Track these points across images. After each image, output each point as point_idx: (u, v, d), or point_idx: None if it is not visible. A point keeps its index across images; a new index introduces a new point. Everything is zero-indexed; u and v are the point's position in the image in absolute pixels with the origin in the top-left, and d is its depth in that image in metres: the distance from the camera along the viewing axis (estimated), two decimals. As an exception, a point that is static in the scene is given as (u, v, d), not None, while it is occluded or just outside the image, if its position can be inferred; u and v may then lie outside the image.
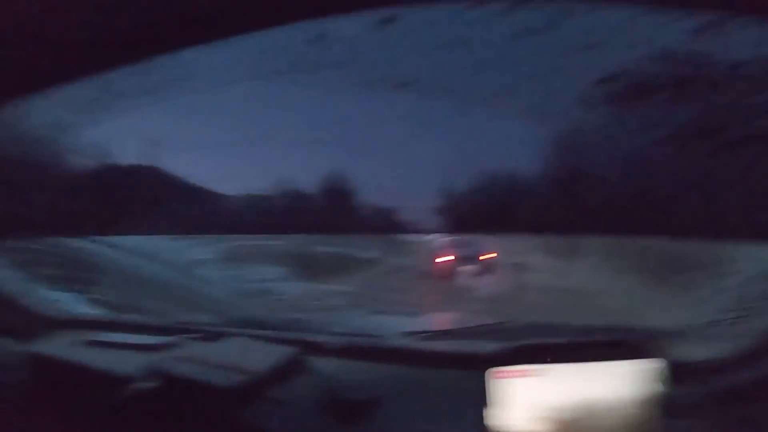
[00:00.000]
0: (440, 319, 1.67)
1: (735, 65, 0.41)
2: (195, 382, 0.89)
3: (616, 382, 0.61)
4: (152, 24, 0.44)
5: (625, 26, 0.39)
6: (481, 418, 0.82)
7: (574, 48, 0.41)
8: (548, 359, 0.61)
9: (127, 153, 0.74)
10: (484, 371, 0.99)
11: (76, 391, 0.98)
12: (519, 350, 0.63)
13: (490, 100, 0.44)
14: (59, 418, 0.95)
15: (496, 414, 0.63)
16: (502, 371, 0.62)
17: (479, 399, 0.90)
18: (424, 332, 1.23)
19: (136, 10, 0.42)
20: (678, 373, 0.98)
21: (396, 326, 1.33)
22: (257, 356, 1.00)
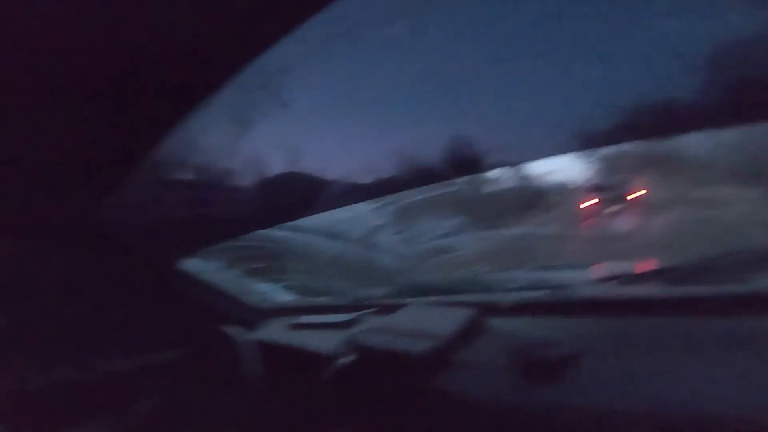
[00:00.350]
0: (617, 266, 1.46)
1: None
2: (383, 350, 0.93)
3: None
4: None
5: None
6: (701, 370, 0.67)
7: None
8: None
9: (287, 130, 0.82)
10: (700, 315, 0.81)
11: (291, 369, 1.10)
12: None
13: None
14: (281, 394, 1.08)
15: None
16: None
17: (694, 350, 0.74)
18: (617, 278, 1.08)
19: None
20: None
21: (583, 275, 1.20)
22: (438, 322, 1.00)
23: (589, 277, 1.13)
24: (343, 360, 0.98)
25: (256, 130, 0.74)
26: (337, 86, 0.70)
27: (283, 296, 1.54)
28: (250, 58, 0.56)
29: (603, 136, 0.67)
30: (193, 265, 1.27)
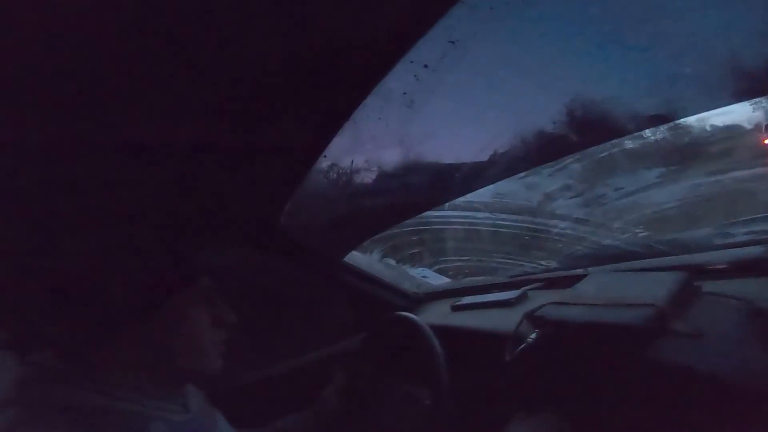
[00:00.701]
0: None
1: None
2: (586, 324, 0.82)
3: None
4: None
5: None
6: None
7: None
8: None
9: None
10: None
11: (469, 351, 1.03)
12: None
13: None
14: (468, 377, 1.04)
15: None
16: None
17: None
18: None
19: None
20: None
21: None
22: (643, 288, 0.86)
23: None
24: (530, 338, 0.89)
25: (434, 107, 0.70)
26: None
27: (437, 280, 1.52)
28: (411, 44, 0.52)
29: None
30: (354, 258, 1.31)
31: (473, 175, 0.89)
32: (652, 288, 0.86)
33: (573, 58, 0.71)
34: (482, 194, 1.23)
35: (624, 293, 0.87)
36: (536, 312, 0.92)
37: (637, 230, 1.14)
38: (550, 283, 1.19)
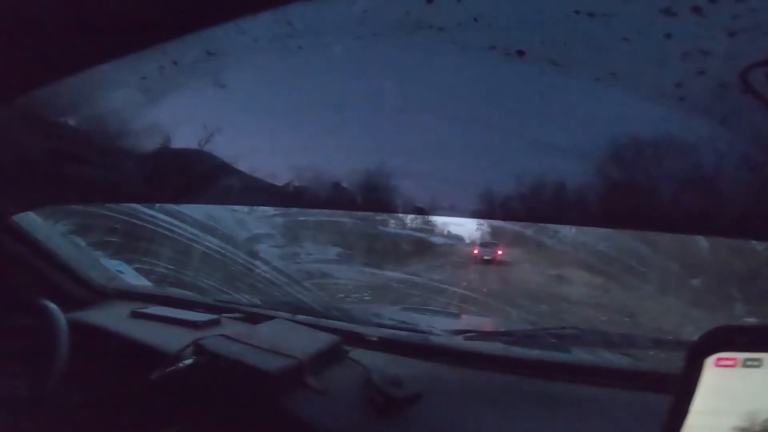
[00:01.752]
0: (478, 321, 1.63)
1: None
2: (236, 361, 0.88)
3: None
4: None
5: None
6: (518, 423, 0.78)
7: (725, 33, 0.36)
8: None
9: (203, 120, 0.75)
10: (527, 375, 0.95)
11: (118, 361, 0.99)
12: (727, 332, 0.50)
13: (618, 80, 0.40)
14: (100, 386, 0.97)
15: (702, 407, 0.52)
16: (725, 358, 0.49)
17: (520, 403, 0.86)
18: (469, 332, 1.19)
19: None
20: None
21: (435, 323, 1.30)
22: (300, 341, 0.99)
23: (448, 327, 1.22)
24: (179, 362, 0.90)
25: (169, 103, 0.67)
26: (267, 85, 0.67)
27: (138, 280, 1.37)
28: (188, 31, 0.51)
29: (499, 211, 0.70)
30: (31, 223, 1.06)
31: (192, 188, 0.87)
32: (307, 343, 0.99)
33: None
34: (195, 209, 1.22)
35: (282, 342, 0.97)
36: (201, 340, 0.94)
37: (321, 292, 1.33)
38: (249, 318, 1.23)
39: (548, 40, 0.40)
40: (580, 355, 1.08)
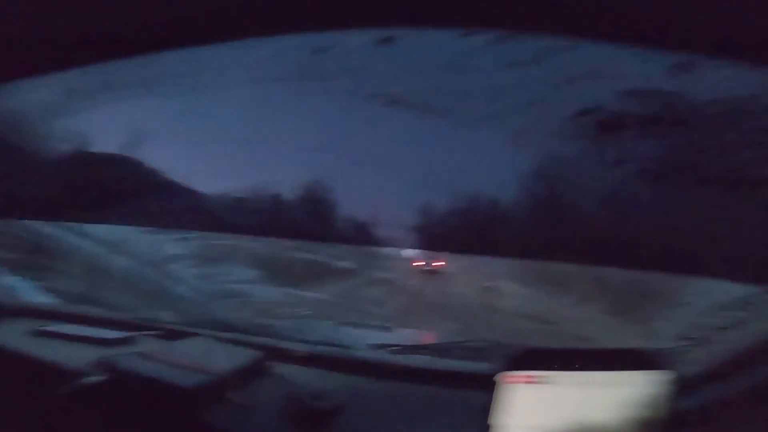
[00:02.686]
0: (409, 334, 1.70)
1: (706, 104, 0.44)
2: (149, 379, 0.87)
3: (623, 392, 0.60)
4: (159, 20, 0.45)
5: (604, 63, 0.43)
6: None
7: (556, 81, 0.44)
8: (555, 366, 0.59)
9: (111, 142, 0.73)
10: (448, 387, 1.01)
11: (21, 381, 0.94)
12: (521, 356, 0.61)
13: (476, 125, 0.47)
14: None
15: (500, 421, 0.61)
16: (514, 376, 0.59)
17: (441, 414, 0.92)
18: (391, 346, 1.24)
19: (145, 6, 0.43)
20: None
21: (364, 339, 1.34)
22: (220, 358, 0.98)
23: (377, 341, 1.26)
24: (87, 379, 0.86)
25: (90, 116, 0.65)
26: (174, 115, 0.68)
27: (41, 297, 1.28)
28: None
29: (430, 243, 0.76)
30: None
31: (103, 207, 0.85)
32: (228, 360, 0.99)
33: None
34: (102, 229, 1.19)
35: (200, 359, 0.96)
36: (110, 357, 0.91)
37: (241, 310, 1.34)
38: (168, 335, 1.20)
39: (419, 91, 0.46)
40: (499, 366, 1.17)
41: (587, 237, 0.57)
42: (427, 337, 1.79)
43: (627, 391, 0.60)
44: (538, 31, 0.40)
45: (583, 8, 0.39)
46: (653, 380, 0.59)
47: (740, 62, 0.42)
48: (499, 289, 4.10)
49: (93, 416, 0.86)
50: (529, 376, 0.58)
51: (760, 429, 0.87)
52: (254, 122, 0.59)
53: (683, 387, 0.94)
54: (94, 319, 1.22)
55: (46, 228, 1.16)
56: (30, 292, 1.27)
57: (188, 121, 0.64)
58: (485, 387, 1.08)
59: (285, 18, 0.42)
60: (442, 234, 0.62)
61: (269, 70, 0.48)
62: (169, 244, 1.37)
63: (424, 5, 0.40)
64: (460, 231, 0.61)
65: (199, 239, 1.38)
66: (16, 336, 1.10)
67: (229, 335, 1.17)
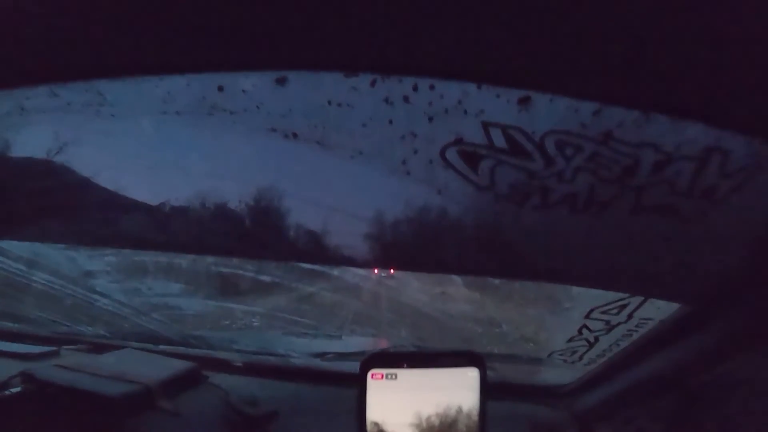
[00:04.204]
0: (360, 342, 1.76)
1: (546, 135, 0.53)
2: (71, 389, 0.86)
3: (453, 386, 0.76)
4: (61, 51, 0.49)
5: (461, 100, 0.51)
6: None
7: (426, 117, 0.52)
8: (404, 365, 0.74)
9: (31, 159, 0.71)
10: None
11: None
12: (377, 357, 0.76)
13: (364, 158, 0.53)
14: None
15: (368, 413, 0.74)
16: (375, 373, 0.73)
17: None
18: (327, 354, 1.29)
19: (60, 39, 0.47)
20: (538, 394, 1.14)
21: (311, 347, 1.38)
22: (149, 368, 0.99)
23: (320, 349, 1.31)
24: (9, 392, 0.85)
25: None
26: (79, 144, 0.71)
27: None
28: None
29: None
30: None
31: (17, 224, 0.85)
32: (158, 369, 1.00)
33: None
34: (16, 245, 1.17)
35: (128, 369, 0.97)
36: (30, 369, 0.90)
37: (173, 323, 1.34)
38: (95, 348, 1.18)
39: (313, 125, 0.53)
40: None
41: (471, 252, 0.66)
42: (380, 344, 1.85)
43: (456, 385, 0.74)
44: (406, 73, 0.48)
45: (444, 51, 0.47)
46: (475, 376, 0.75)
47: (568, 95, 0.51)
48: (451, 293, 4.25)
49: (8, 426, 0.84)
50: (381, 374, 0.73)
51: (650, 422, 1.00)
52: (163, 152, 0.63)
53: (584, 384, 1.05)
54: (14, 334, 1.18)
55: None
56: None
57: (95, 150, 0.67)
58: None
59: (190, 59, 0.47)
60: (345, 251, 0.70)
61: (173, 104, 0.52)
62: (87, 260, 1.35)
63: (311, 52, 0.47)
64: (360, 249, 0.68)
65: (116, 255, 1.37)
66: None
67: (163, 348, 1.17)
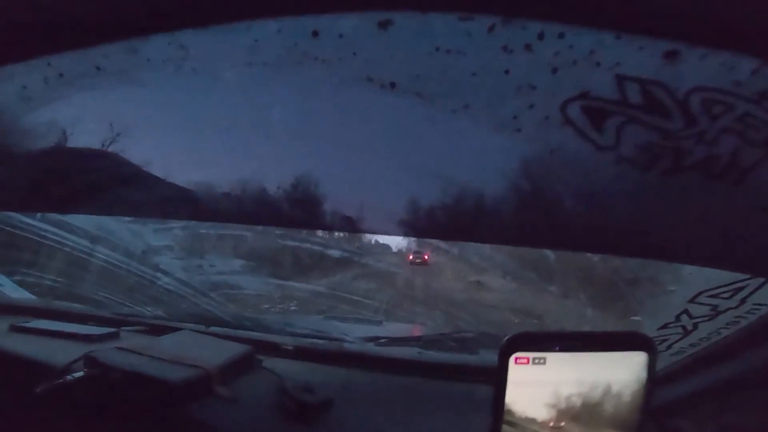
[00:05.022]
0: (399, 327, 1.71)
1: (692, 92, 0.46)
2: (132, 373, 0.85)
3: (613, 371, 0.64)
4: (141, 3, 0.44)
5: (594, 50, 0.44)
6: (428, 424, 0.85)
7: (548, 67, 0.45)
8: (556, 348, 0.62)
9: (91, 131, 0.70)
10: (436, 378, 1.02)
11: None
12: (523, 337, 0.64)
13: (467, 111, 0.47)
14: None
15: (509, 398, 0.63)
16: (520, 357, 0.62)
17: (430, 405, 0.93)
18: (381, 338, 1.25)
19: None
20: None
21: (354, 331, 1.35)
22: (207, 352, 0.97)
23: (365, 334, 1.27)
24: (72, 376, 0.85)
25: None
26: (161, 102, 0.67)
27: (21, 293, 1.24)
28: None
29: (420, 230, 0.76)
30: None
31: (85, 197, 0.83)
32: (215, 353, 0.98)
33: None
34: (84, 219, 1.16)
35: (187, 353, 0.95)
36: (93, 352, 0.90)
37: (229, 303, 1.33)
38: (153, 330, 1.18)
39: (414, 75, 0.46)
40: (486, 356, 1.19)
41: (572, 224, 0.58)
42: (416, 330, 1.81)
43: (617, 371, 0.63)
44: (532, 18, 0.41)
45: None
46: (641, 362, 0.63)
47: (726, 51, 0.43)
48: (486, 283, 4.17)
49: (76, 413, 0.84)
50: (527, 358, 0.61)
51: (738, 418, 0.91)
52: (243, 109, 0.58)
53: (667, 376, 0.97)
54: (75, 315, 1.20)
55: (23, 220, 1.12)
56: (9, 288, 1.24)
57: (172, 110, 0.63)
58: (471, 378, 1.09)
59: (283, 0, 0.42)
60: (431, 220, 0.63)
61: (260, 54, 0.47)
62: (152, 234, 1.34)
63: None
64: (449, 217, 0.61)
65: (183, 229, 1.36)
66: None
67: (216, 329, 1.16)
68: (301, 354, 1.16)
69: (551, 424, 0.62)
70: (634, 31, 0.42)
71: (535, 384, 0.62)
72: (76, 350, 0.92)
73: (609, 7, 0.41)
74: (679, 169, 0.50)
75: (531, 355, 0.61)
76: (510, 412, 0.61)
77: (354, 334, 1.29)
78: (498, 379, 0.61)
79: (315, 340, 1.23)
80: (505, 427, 0.61)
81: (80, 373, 0.85)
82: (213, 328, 1.15)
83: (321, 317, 1.49)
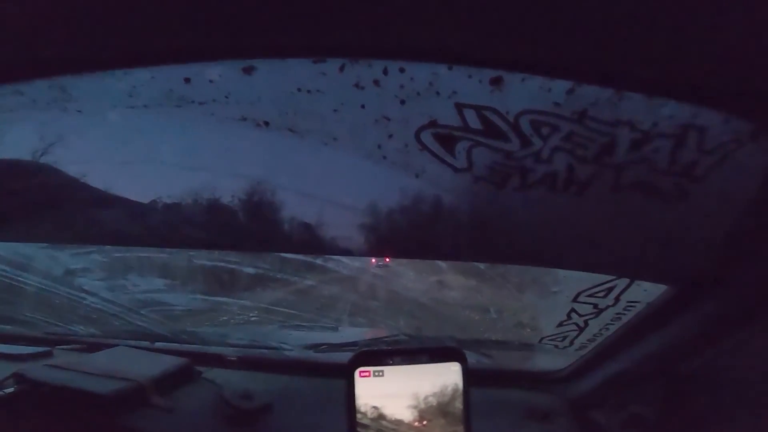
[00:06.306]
0: (357, 332, 1.76)
1: (520, 115, 0.52)
2: (64, 388, 0.87)
3: (439, 379, 0.78)
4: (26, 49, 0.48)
5: (432, 82, 0.50)
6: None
7: (398, 100, 0.52)
8: (390, 362, 0.76)
9: (13, 160, 0.71)
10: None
11: None
12: (364, 355, 0.79)
13: (339, 143, 0.52)
14: None
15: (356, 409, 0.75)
16: (363, 371, 0.76)
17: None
18: (321, 345, 1.29)
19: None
20: (532, 380, 1.15)
21: (300, 340, 1.39)
22: (143, 365, 1.00)
23: (312, 341, 1.32)
24: (4, 391, 0.86)
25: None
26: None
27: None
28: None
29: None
30: None
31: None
32: (150, 366, 1.00)
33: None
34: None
35: (120, 367, 0.97)
36: (22, 370, 0.91)
37: (163, 319, 1.35)
38: (89, 348, 1.18)
39: (284, 113, 0.52)
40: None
41: (453, 237, 0.65)
42: (377, 333, 1.86)
43: (441, 379, 0.78)
44: (375, 57, 0.47)
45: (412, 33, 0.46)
46: (457, 370, 0.78)
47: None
48: (446, 282, 4.26)
49: (6, 429, 0.84)
50: (368, 371, 0.77)
51: (642, 408, 1.00)
52: (132, 146, 0.62)
53: (576, 371, 1.06)
54: (7, 336, 1.18)
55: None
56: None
57: (64, 148, 0.66)
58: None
59: (152, 51, 0.46)
60: (319, 239, 0.70)
61: (140, 98, 0.51)
62: (69, 258, 1.35)
63: (277, 38, 0.46)
64: (333, 237, 0.68)
65: (99, 253, 1.37)
66: None
67: (157, 345, 1.17)
68: (241, 363, 1.19)
69: (397, 424, 0.76)
70: (462, 62, 0.48)
71: (378, 393, 0.76)
72: (7, 369, 0.92)
73: (437, 40, 0.47)
74: (526, 186, 0.58)
75: (372, 368, 0.76)
76: (361, 418, 0.76)
77: (305, 342, 1.33)
78: (347, 390, 0.76)
79: (255, 350, 1.27)
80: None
81: (10, 390, 0.86)
82: (154, 344, 1.16)
83: (276, 327, 1.52)
